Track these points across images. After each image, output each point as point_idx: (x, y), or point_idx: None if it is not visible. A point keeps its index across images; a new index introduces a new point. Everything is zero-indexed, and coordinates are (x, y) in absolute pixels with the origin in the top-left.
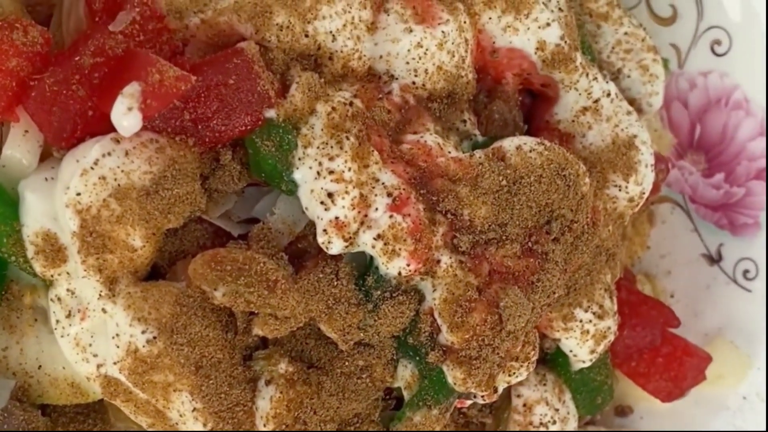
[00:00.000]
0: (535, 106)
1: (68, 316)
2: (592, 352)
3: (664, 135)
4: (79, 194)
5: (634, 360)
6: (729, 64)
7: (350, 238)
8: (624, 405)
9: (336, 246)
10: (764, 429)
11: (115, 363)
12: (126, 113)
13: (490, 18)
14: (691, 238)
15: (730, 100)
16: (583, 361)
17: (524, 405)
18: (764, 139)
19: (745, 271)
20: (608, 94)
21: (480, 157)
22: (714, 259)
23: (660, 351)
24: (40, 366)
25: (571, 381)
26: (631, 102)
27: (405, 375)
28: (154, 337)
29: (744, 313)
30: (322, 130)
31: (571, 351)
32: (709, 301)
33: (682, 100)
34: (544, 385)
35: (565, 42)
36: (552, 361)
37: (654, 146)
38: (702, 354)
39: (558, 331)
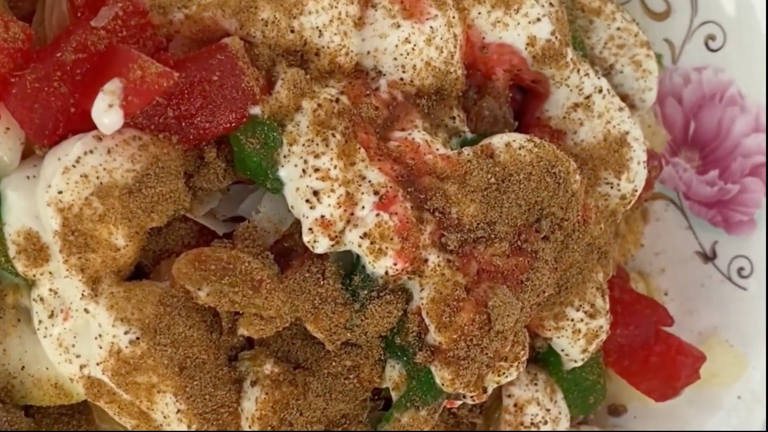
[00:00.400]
0: (525, 102)
1: (51, 316)
2: (584, 351)
3: (657, 131)
4: (60, 192)
5: (628, 359)
6: (723, 59)
7: (336, 236)
8: (617, 404)
9: (322, 245)
10: (759, 429)
11: (98, 364)
12: (107, 110)
13: (479, 13)
14: (686, 235)
15: (724, 95)
16: (575, 361)
17: (515, 405)
18: (759, 135)
19: (740, 269)
20: (600, 90)
21: (468, 155)
22: (708, 257)
23: (653, 350)
24: (24, 367)
25: (562, 380)
26: (624, 98)
27: (393, 375)
28: (137, 338)
29: (739, 311)
30: (307, 127)
31: (562, 350)
32: (703, 299)
33: (676, 95)
34: (536, 384)
35: (556, 37)
36: (543, 360)
37: (647, 143)
38: (696, 353)
39: (549, 330)
